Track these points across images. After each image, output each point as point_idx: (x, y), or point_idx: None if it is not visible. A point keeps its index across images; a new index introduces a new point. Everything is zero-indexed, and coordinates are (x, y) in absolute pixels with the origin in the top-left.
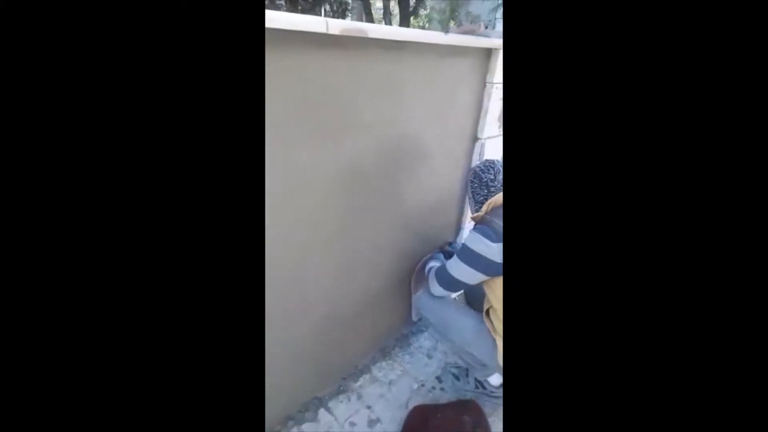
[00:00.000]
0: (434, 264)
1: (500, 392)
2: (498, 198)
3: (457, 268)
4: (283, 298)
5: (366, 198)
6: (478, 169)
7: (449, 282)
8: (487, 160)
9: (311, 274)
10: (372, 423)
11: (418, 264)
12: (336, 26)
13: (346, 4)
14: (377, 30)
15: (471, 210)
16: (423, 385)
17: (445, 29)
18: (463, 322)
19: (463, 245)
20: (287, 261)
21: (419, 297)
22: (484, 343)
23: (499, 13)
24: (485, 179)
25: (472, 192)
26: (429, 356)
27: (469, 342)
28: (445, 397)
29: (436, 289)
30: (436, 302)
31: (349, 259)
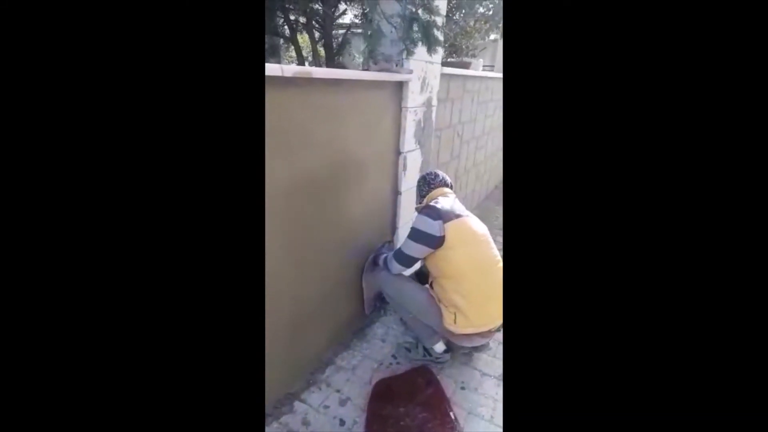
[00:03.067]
0: (387, 253)
1: (444, 358)
2: (434, 194)
3: (409, 247)
4: None
5: (317, 206)
6: (425, 173)
7: (404, 259)
8: (431, 170)
9: (273, 279)
10: (343, 402)
11: (367, 260)
12: (289, 70)
13: (278, 47)
14: (319, 72)
15: (416, 202)
16: (381, 364)
17: (366, 67)
18: (417, 295)
19: (412, 228)
20: None
21: (381, 276)
22: (432, 310)
23: (412, 56)
24: (428, 179)
25: (419, 189)
26: (383, 340)
27: (421, 311)
28: (401, 369)
29: (395, 267)
30: (396, 279)
31: (306, 263)
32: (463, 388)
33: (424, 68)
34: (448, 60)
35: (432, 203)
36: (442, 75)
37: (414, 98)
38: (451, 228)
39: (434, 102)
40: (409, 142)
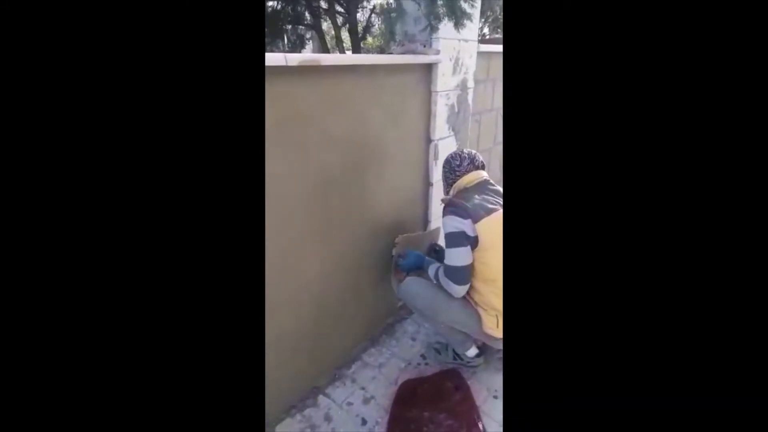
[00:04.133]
0: (432, 267)
1: (475, 362)
2: (462, 181)
3: (453, 256)
4: (274, 298)
5: (340, 201)
6: (449, 157)
7: (458, 274)
8: (455, 151)
9: (298, 274)
10: (367, 401)
11: (393, 260)
12: (294, 59)
13: (303, 36)
14: (329, 59)
15: (444, 192)
16: (410, 363)
17: (387, 50)
18: (451, 304)
19: (446, 235)
20: (275, 263)
21: (404, 288)
22: (471, 318)
23: (436, 34)
24: (453, 165)
25: (444, 176)
26: (413, 339)
27: (457, 320)
28: (429, 371)
29: (455, 290)
30: (423, 289)
31: (331, 258)
32: (495, 397)
33: (456, 47)
34: (492, 36)
35: (456, 199)
36: (480, 53)
37: (445, 81)
38: (483, 226)
39: (470, 84)
40: (440, 128)
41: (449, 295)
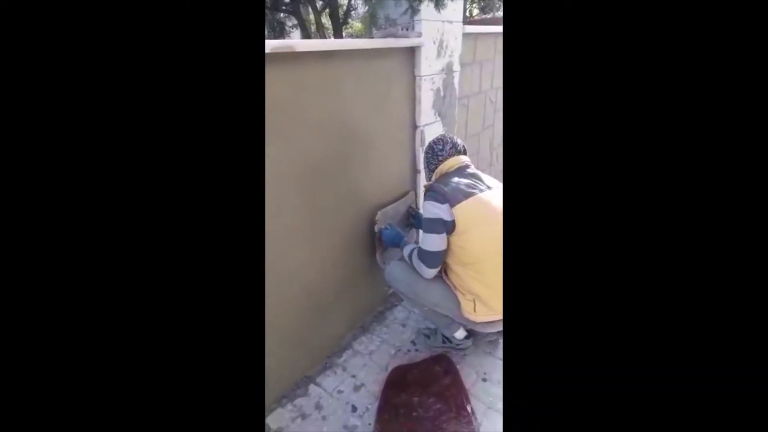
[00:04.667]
0: (407, 248)
1: (464, 344)
2: (443, 167)
3: (429, 242)
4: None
5: (326, 189)
6: (432, 141)
7: (431, 258)
8: (439, 135)
9: (286, 264)
10: (357, 388)
11: (376, 236)
12: (267, 46)
13: (284, 23)
14: (304, 44)
15: (426, 178)
16: (400, 350)
17: (369, 34)
18: (430, 287)
19: (423, 218)
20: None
21: (388, 272)
22: (450, 301)
23: (417, 16)
24: (436, 149)
25: (427, 162)
26: (403, 325)
27: (437, 303)
28: (419, 356)
29: (426, 272)
30: (406, 273)
31: (320, 247)
32: (484, 380)
33: (440, 29)
34: (481, 17)
35: (437, 183)
36: (466, 35)
37: (429, 65)
38: (460, 210)
39: (456, 67)
40: (426, 114)
41: (430, 281)
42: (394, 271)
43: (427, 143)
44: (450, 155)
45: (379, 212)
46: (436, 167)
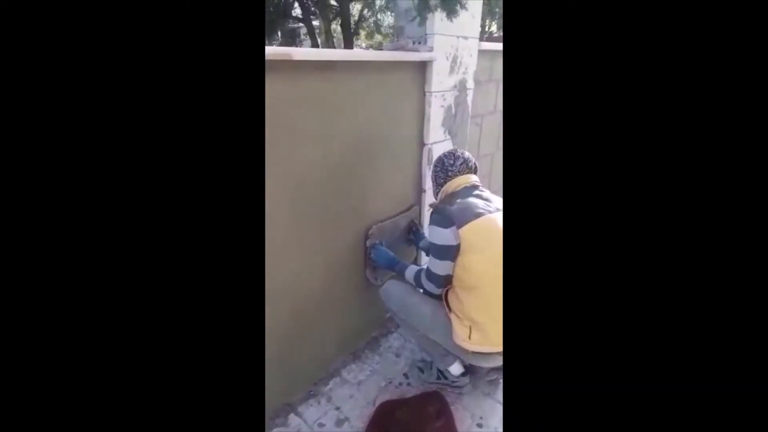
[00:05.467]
0: (410, 270)
1: (461, 382)
2: (450, 185)
3: (438, 266)
4: None
5: (322, 204)
6: (443, 155)
7: (440, 280)
8: (450, 149)
9: (273, 278)
10: (340, 422)
11: (368, 253)
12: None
13: (295, 30)
14: (302, 53)
15: (433, 194)
16: (391, 382)
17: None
18: (422, 308)
19: (431, 244)
20: None
21: (384, 289)
22: (440, 325)
23: (429, 27)
24: (446, 164)
25: (435, 176)
26: (397, 355)
27: (427, 326)
28: (411, 392)
29: (434, 290)
30: (400, 292)
31: (312, 264)
32: (480, 425)
33: (454, 45)
34: (500, 34)
35: (442, 204)
36: (482, 52)
37: (441, 81)
38: (467, 230)
39: (470, 84)
40: (435, 131)
41: (422, 301)
42: (391, 288)
43: (437, 157)
44: (461, 172)
45: (374, 226)
46: (445, 183)
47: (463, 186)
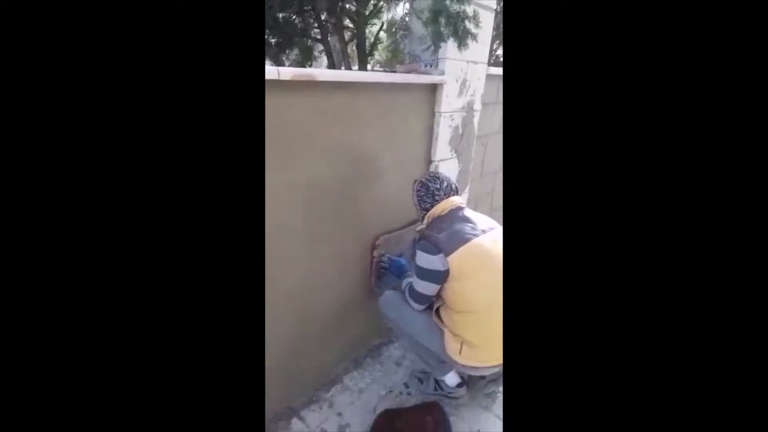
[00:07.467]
0: (406, 280)
1: (457, 393)
2: (436, 209)
3: (420, 285)
4: None
5: (331, 215)
6: (424, 178)
7: (418, 296)
8: (431, 172)
9: (279, 287)
10: (342, 428)
11: (374, 262)
12: (287, 73)
13: (312, 48)
14: (324, 74)
15: (418, 216)
16: (391, 391)
17: (391, 68)
18: (417, 316)
19: (416, 266)
20: None
21: (383, 297)
22: (432, 334)
23: (441, 52)
24: (432, 188)
25: (419, 200)
26: (398, 364)
27: (420, 333)
28: (411, 401)
29: (413, 305)
30: (397, 300)
31: (316, 272)
32: None
33: (464, 69)
34: None
35: (431, 230)
36: (490, 76)
37: (450, 102)
38: (456, 258)
39: (477, 106)
40: (442, 149)
41: (416, 311)
42: (389, 296)
43: (418, 180)
44: (446, 195)
45: (381, 237)
46: (431, 207)
47: (449, 209)
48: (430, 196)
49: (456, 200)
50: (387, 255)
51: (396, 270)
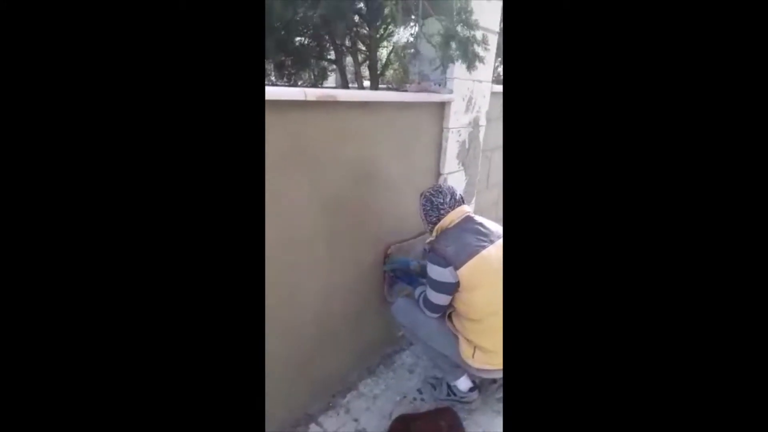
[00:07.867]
0: (419, 289)
1: (469, 397)
2: (444, 221)
3: (433, 296)
4: (273, 316)
5: (347, 226)
6: (428, 193)
7: (432, 307)
8: (435, 186)
9: (299, 296)
10: None
11: (385, 273)
12: (313, 94)
13: (326, 69)
14: (346, 95)
15: (426, 229)
16: (405, 397)
17: (403, 87)
18: (428, 321)
19: (429, 277)
20: (276, 283)
21: (396, 304)
22: (445, 338)
23: (449, 72)
24: (436, 202)
25: (425, 214)
26: (410, 371)
27: (433, 338)
28: (425, 407)
29: (431, 315)
30: (409, 306)
31: (333, 281)
32: None
33: (470, 87)
34: None
35: (439, 242)
36: (494, 93)
37: (457, 119)
38: (466, 270)
39: (482, 122)
40: (450, 163)
41: (429, 317)
42: (401, 303)
43: (423, 195)
44: (452, 207)
45: (392, 246)
46: (438, 221)
47: (458, 220)
48: (435, 210)
49: (464, 209)
50: (391, 265)
51: (404, 272)
